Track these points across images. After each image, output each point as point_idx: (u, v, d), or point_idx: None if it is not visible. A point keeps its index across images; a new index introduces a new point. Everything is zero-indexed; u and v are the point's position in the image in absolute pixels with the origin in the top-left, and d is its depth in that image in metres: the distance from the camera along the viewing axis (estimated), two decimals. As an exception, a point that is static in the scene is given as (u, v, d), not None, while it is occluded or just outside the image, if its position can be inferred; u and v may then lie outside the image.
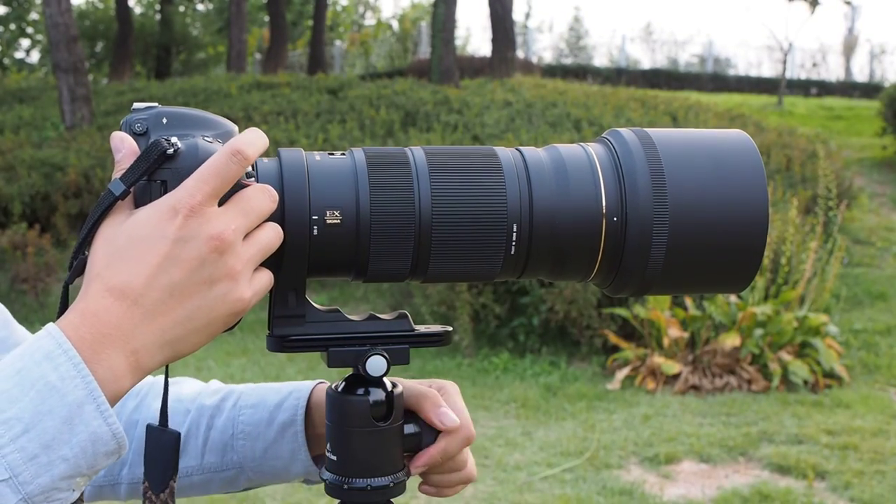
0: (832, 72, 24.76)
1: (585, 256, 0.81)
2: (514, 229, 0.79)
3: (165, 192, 0.73)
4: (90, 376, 0.66)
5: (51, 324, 0.69)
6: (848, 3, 21.30)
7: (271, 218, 0.75)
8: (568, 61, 26.67)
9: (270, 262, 0.77)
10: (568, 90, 13.80)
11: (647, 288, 0.82)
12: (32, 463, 0.64)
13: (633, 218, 0.79)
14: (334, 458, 0.83)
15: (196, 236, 0.70)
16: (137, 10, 28.75)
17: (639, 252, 0.79)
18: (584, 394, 5.71)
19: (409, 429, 0.87)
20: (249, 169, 0.77)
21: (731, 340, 5.73)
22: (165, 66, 24.72)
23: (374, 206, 0.77)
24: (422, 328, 0.85)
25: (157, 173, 0.73)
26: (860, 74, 24.97)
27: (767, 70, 25.55)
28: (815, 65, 24.83)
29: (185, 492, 0.99)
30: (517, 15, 25.35)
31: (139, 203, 0.73)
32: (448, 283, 0.85)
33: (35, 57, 33.51)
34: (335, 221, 0.77)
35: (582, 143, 0.84)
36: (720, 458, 4.69)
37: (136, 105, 0.78)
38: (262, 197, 0.74)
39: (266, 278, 0.76)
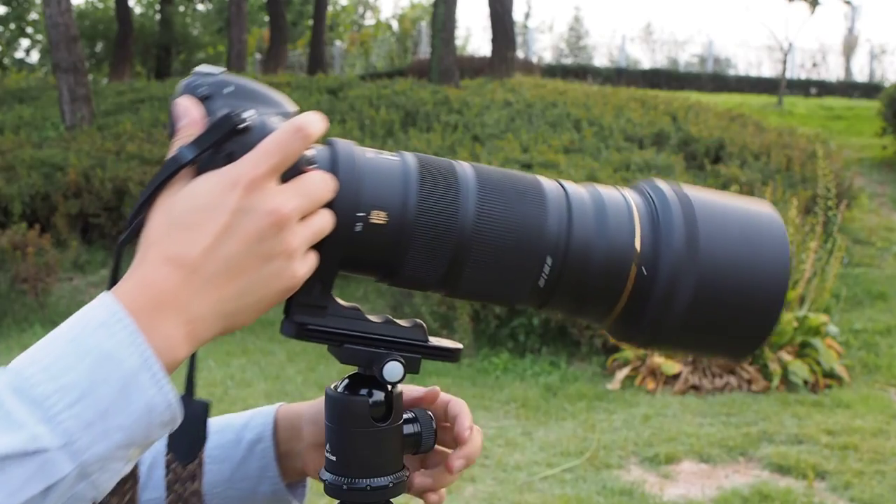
0: (832, 72, 24.78)
1: (607, 303, 0.82)
2: (548, 261, 0.79)
3: (229, 163, 0.72)
4: (145, 344, 0.65)
5: (105, 293, 0.68)
6: (848, 3, 21.31)
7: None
8: (568, 61, 26.68)
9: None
10: (568, 90, 13.81)
11: (656, 340, 0.83)
12: (89, 430, 0.63)
13: (664, 269, 0.80)
14: (334, 458, 0.83)
15: (256, 209, 0.70)
16: (137, 10, 28.76)
17: (663, 303, 0.80)
18: (584, 394, 5.71)
19: (409, 429, 0.87)
20: (313, 153, 0.76)
21: (731, 340, 5.73)
22: (165, 66, 24.71)
23: (420, 213, 0.77)
24: (434, 340, 0.85)
25: (224, 145, 0.73)
26: (860, 74, 24.99)
27: (767, 70, 25.57)
28: (815, 65, 24.83)
29: None
30: (517, 15, 25.37)
31: (200, 173, 0.72)
32: (472, 301, 0.85)
33: (35, 57, 33.54)
34: (380, 222, 0.76)
35: (618, 188, 0.85)
36: (720, 458, 4.69)
37: (200, 69, 0.77)
38: (323, 183, 0.74)
39: (314, 260, 0.75)
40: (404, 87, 13.13)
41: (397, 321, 0.84)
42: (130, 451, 0.66)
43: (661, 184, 0.84)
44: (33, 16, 29.79)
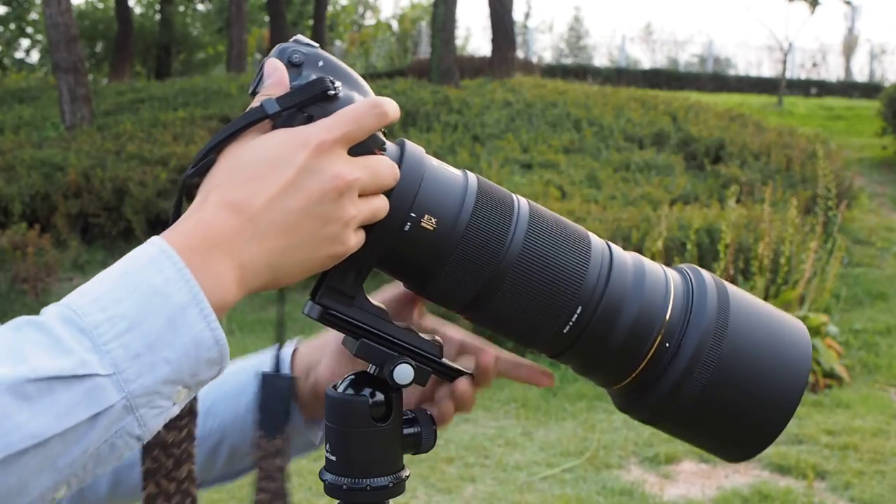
0: (832, 72, 24.79)
1: (626, 362, 0.82)
2: (578, 311, 0.80)
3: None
4: (193, 281, 0.66)
5: (155, 236, 0.69)
6: (848, 3, 21.32)
7: None
8: (568, 61, 26.69)
9: None
10: (568, 90, 13.81)
11: (660, 417, 0.84)
12: (136, 361, 0.63)
13: (689, 344, 0.80)
14: (333, 458, 0.84)
15: (322, 170, 0.71)
16: (137, 10, 28.76)
17: (680, 377, 0.81)
18: (584, 394, 5.71)
19: (409, 429, 0.87)
20: (384, 140, 0.78)
21: (731, 340, 5.73)
22: (165, 66, 24.72)
23: (469, 230, 0.78)
24: (447, 361, 0.86)
25: (308, 107, 0.74)
26: (860, 74, 24.99)
27: (767, 70, 25.57)
28: (815, 65, 24.84)
29: None
30: (517, 15, 25.37)
31: (276, 129, 0.74)
32: (493, 332, 0.86)
33: (35, 57, 33.54)
34: (429, 227, 0.77)
35: (664, 267, 0.86)
36: (720, 458, 4.69)
37: (298, 38, 0.79)
38: (389, 168, 0.75)
39: (363, 238, 0.76)
40: (404, 87, 13.13)
41: (419, 332, 0.85)
42: (178, 390, 0.66)
43: (703, 271, 0.86)
44: (33, 16, 29.79)
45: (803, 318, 6.00)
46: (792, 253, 6.49)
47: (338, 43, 28.37)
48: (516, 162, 9.97)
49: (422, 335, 0.85)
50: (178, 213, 0.73)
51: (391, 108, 0.75)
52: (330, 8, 28.60)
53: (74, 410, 0.61)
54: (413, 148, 0.80)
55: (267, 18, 23.33)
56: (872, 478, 4.40)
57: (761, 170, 9.64)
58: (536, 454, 4.77)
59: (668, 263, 5.34)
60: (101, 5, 29.02)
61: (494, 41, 15.15)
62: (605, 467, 4.58)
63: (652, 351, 0.81)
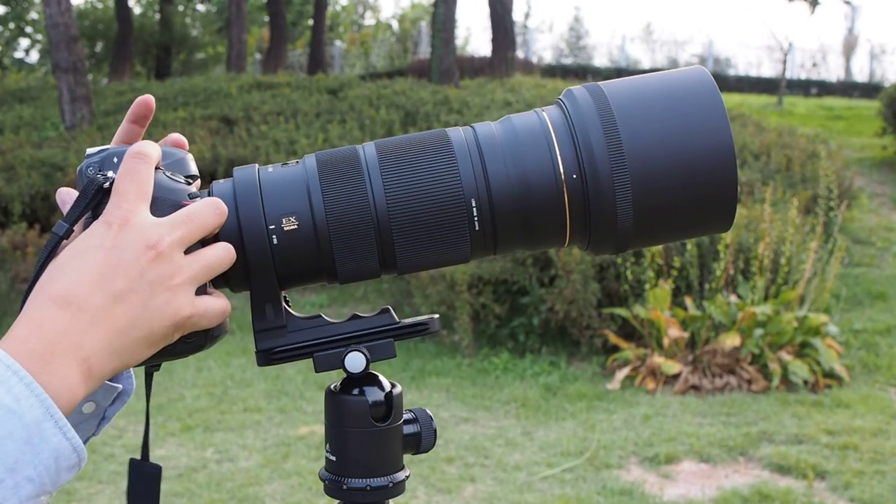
0: (832, 72, 24.77)
1: (553, 222, 0.80)
2: (474, 204, 0.79)
3: None
4: (44, 394, 0.66)
5: None
6: (848, 3, 21.31)
7: (228, 232, 0.77)
8: (568, 61, 26.69)
9: (239, 278, 0.78)
10: (568, 90, 13.78)
11: (625, 243, 0.81)
12: None
13: (592, 176, 0.78)
14: (333, 458, 0.84)
15: (132, 244, 0.71)
16: (137, 10, 28.74)
17: (604, 209, 0.78)
18: (584, 394, 5.71)
19: (409, 429, 0.87)
20: (195, 190, 0.78)
21: (731, 340, 5.73)
22: (165, 66, 24.71)
23: (329, 208, 0.78)
24: (406, 320, 0.85)
25: (100, 208, 0.75)
26: (860, 74, 24.97)
27: (767, 70, 25.56)
28: (815, 65, 24.83)
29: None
30: (517, 15, 25.37)
31: None
32: (427, 270, 0.85)
33: (35, 57, 33.53)
34: (292, 227, 0.77)
35: (537, 109, 0.83)
36: (720, 458, 4.69)
37: (89, 150, 0.79)
38: (207, 210, 0.75)
39: (216, 304, 0.76)
40: (404, 87, 13.12)
41: (362, 314, 0.84)
42: (40, 500, 0.67)
43: (576, 89, 0.82)
44: (33, 16, 29.77)
45: (803, 319, 6.00)
46: (792, 253, 6.49)
47: (338, 43, 28.35)
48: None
49: (368, 314, 0.84)
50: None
51: (150, 147, 0.75)
52: (330, 8, 28.57)
53: None
54: (242, 171, 0.80)
55: (267, 18, 23.32)
56: (872, 478, 4.40)
57: (761, 170, 9.64)
58: (536, 454, 4.76)
59: (669, 264, 5.30)
60: (101, 5, 28.99)
61: (494, 41, 15.14)
62: (605, 467, 4.58)
63: (565, 197, 0.79)
